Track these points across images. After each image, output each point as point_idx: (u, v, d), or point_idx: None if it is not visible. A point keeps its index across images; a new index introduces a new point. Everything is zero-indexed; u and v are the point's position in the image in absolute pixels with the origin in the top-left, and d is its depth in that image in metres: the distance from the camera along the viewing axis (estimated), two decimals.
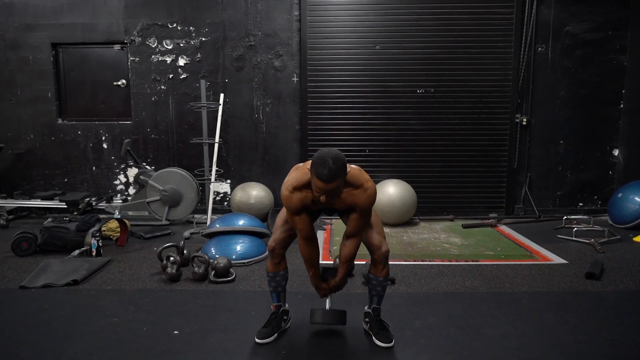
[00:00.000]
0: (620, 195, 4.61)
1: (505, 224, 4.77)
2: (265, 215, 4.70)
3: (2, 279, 3.17)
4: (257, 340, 2.30)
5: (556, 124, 4.99)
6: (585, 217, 4.66)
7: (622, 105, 4.96)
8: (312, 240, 2.17)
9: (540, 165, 5.05)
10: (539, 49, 4.90)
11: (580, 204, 5.10)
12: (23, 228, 4.08)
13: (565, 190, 5.09)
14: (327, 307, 2.36)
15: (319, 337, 2.40)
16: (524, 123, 4.94)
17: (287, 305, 2.43)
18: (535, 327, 2.47)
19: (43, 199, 4.78)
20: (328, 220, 4.74)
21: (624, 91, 4.93)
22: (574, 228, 4.27)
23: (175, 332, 2.42)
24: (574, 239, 4.07)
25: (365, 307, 2.41)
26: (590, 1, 4.81)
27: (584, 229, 4.34)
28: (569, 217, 4.66)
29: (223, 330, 2.44)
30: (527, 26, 4.80)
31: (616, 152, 5.03)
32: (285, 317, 2.41)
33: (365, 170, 2.15)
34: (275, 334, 2.34)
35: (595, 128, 5.00)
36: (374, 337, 2.31)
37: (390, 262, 3.43)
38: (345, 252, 2.19)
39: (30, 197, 4.91)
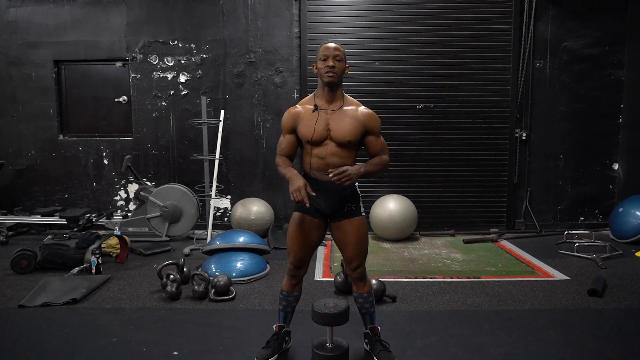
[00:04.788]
0: (621, 209, 4.60)
1: (507, 238, 4.76)
2: (265, 231, 4.69)
3: (1, 297, 3.15)
4: None
5: (555, 139, 5.01)
6: (586, 231, 4.65)
7: (621, 120, 4.98)
8: (289, 159, 2.21)
9: (541, 180, 5.05)
10: (537, 64, 4.94)
11: (582, 219, 5.09)
12: (23, 245, 4.08)
13: (565, 205, 5.08)
14: (329, 343, 2.31)
15: None
16: (524, 138, 4.96)
17: (289, 326, 2.41)
18: (538, 347, 2.45)
19: (43, 215, 4.78)
20: (328, 235, 4.72)
21: (622, 105, 4.96)
22: (575, 243, 4.26)
23: (175, 352, 2.40)
24: (576, 254, 4.05)
25: (364, 328, 2.39)
26: (586, 17, 4.87)
27: (586, 243, 4.33)
28: (570, 231, 4.64)
29: (223, 351, 2.42)
30: (525, 42, 4.85)
31: (616, 166, 5.04)
32: (287, 339, 2.39)
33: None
34: (276, 355, 2.32)
35: (595, 142, 5.01)
36: (375, 358, 2.29)
37: (391, 279, 3.47)
38: (370, 160, 2.20)
39: (31, 213, 4.91)
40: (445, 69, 4.90)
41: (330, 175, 2.00)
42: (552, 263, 3.88)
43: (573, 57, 4.91)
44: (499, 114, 4.95)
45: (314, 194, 2.04)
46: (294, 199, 2.00)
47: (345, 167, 2.02)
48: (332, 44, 2.15)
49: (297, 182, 2.01)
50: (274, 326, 2.37)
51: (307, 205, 2.01)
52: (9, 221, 4.79)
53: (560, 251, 4.22)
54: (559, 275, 3.58)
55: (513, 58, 4.87)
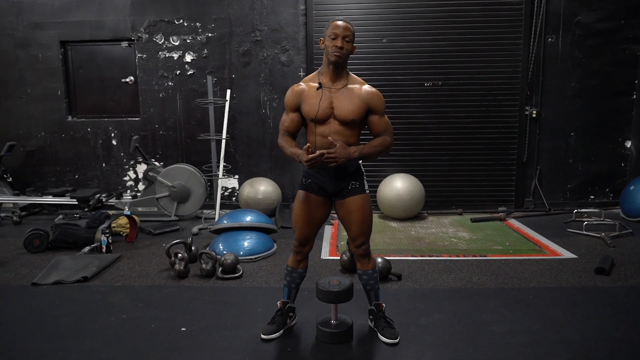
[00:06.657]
0: (632, 187, 4.54)
1: (515, 217, 4.73)
2: (273, 211, 4.72)
3: (15, 275, 3.23)
4: (262, 336, 2.32)
5: (567, 116, 4.92)
6: (596, 210, 4.60)
7: (634, 96, 4.86)
8: (292, 138, 2.22)
9: (551, 158, 4.99)
10: (549, 39, 4.81)
11: (592, 197, 5.04)
12: (35, 224, 4.16)
13: (575, 183, 5.02)
14: (333, 320, 2.35)
15: None
16: (534, 115, 4.87)
17: (294, 302, 2.44)
18: (541, 324, 2.45)
19: (54, 195, 4.85)
20: (336, 215, 4.73)
21: (636, 81, 4.84)
22: (584, 222, 4.22)
23: (183, 328, 2.46)
24: (584, 232, 4.02)
25: (368, 305, 2.41)
26: None
27: (595, 222, 4.29)
28: (579, 210, 4.60)
29: (230, 327, 2.46)
30: (537, 16, 4.72)
31: (628, 144, 4.95)
32: (291, 314, 2.42)
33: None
34: (281, 331, 2.36)
35: (607, 119, 4.92)
36: (379, 334, 2.32)
37: (397, 257, 3.48)
38: (370, 142, 2.17)
39: (42, 194, 4.99)
40: (454, 45, 4.80)
41: (304, 161, 1.99)
42: (560, 242, 3.86)
43: (586, 32, 4.78)
44: (508, 90, 4.86)
45: (317, 151, 2.04)
46: (313, 165, 2.01)
47: (322, 151, 2.00)
48: (342, 23, 2.10)
49: (304, 157, 2.01)
50: (278, 302, 2.41)
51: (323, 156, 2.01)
52: (22, 202, 4.88)
53: (569, 230, 4.19)
54: (566, 254, 3.56)
55: (524, 33, 4.75)
